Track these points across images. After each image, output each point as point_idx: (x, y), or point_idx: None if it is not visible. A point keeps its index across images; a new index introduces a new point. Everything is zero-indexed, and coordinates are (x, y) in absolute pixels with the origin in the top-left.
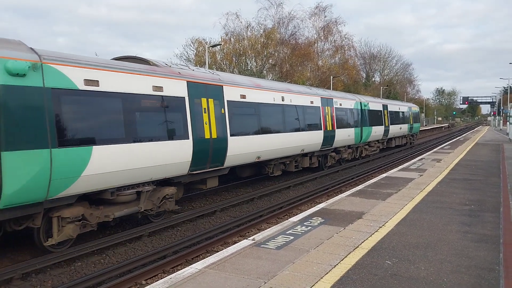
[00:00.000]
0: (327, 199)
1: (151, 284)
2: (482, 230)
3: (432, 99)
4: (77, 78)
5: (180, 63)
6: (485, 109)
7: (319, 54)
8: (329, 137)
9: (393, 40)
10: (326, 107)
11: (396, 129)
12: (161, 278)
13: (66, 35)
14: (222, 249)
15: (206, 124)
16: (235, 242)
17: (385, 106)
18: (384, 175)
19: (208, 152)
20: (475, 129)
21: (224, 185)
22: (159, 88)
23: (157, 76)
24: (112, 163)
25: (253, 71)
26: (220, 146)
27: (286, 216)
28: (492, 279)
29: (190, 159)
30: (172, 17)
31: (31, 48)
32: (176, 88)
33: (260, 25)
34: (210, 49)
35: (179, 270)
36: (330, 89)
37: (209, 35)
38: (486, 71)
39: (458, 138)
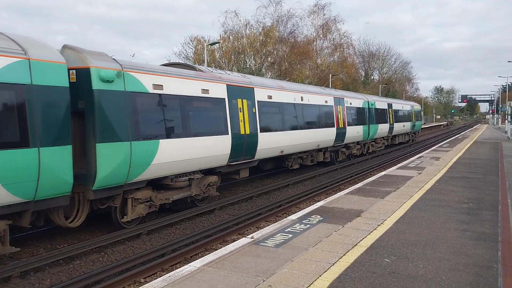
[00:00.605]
0: (326, 197)
1: (150, 282)
2: (480, 228)
3: (431, 97)
4: (147, 83)
5: (179, 61)
6: (483, 107)
7: (318, 52)
8: (340, 134)
9: (392, 39)
10: (338, 106)
11: (400, 127)
12: (160, 276)
13: (65, 33)
14: (221, 247)
15: (241, 121)
16: (234, 240)
17: (390, 105)
18: (382, 173)
19: (243, 146)
20: (474, 127)
21: (222, 183)
22: (206, 91)
23: (204, 81)
24: (173, 154)
25: (252, 69)
26: (252, 140)
27: (285, 214)
28: (490, 277)
29: (229, 152)
30: (171, 15)
31: (114, 59)
32: (219, 91)
33: (259, 23)
34: (209, 47)
35: (178, 268)
36: (329, 87)
37: (208, 33)
38: (485, 69)
39: (456, 136)
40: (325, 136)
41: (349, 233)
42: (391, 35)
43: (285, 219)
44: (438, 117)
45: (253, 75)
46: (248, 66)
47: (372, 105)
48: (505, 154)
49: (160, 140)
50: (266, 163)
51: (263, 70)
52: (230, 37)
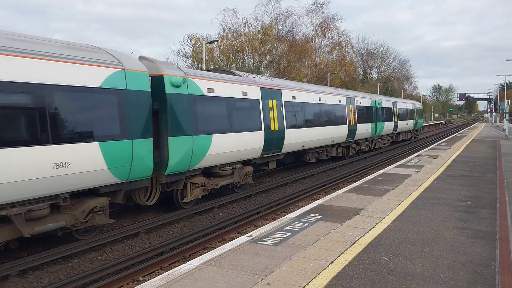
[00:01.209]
0: (325, 196)
1: (149, 281)
2: (478, 226)
3: (429, 96)
4: (203, 87)
5: (177, 59)
6: (482, 105)
7: (317, 50)
8: (352, 131)
9: (390, 37)
10: (350, 105)
11: (403, 125)
12: (159, 275)
13: (63, 32)
14: (220, 246)
15: (271, 119)
16: (232, 239)
17: (394, 104)
18: (381, 171)
19: (273, 140)
20: (472, 125)
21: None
22: (245, 93)
23: (243, 84)
24: (221, 146)
25: (251, 67)
26: (280, 136)
27: (283, 213)
28: (488, 275)
29: (262, 145)
30: (170, 14)
31: (179, 68)
32: (254, 93)
33: (258, 22)
34: (208, 45)
35: (177, 266)
36: (327, 85)
37: (207, 32)
38: (483, 68)
39: (455, 134)
40: (339, 132)
41: (347, 231)
42: (389, 34)
43: (283, 217)
44: (437, 115)
45: (252, 73)
46: (246, 65)
47: (379, 104)
48: (503, 153)
49: (213, 134)
50: (288, 156)
51: (262, 68)
52: (229, 35)
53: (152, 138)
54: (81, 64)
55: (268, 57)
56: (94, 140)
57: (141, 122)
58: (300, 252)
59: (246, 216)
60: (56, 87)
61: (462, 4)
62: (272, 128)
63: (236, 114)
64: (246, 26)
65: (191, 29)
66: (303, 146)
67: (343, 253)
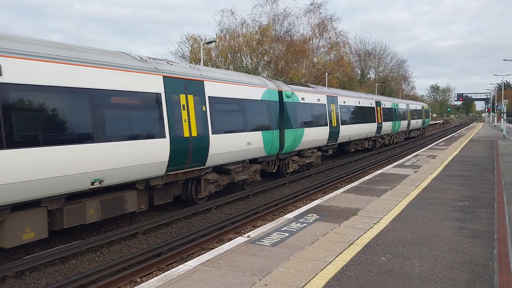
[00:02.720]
0: (323, 196)
1: (146, 282)
2: (476, 226)
3: (427, 96)
4: (300, 96)
5: (175, 60)
6: (479, 105)
7: (314, 51)
8: (379, 128)
9: (387, 37)
10: (377, 107)
11: (414, 123)
12: (156, 276)
13: (61, 32)
14: (217, 247)
15: (333, 118)
16: (230, 239)
17: (407, 105)
18: (379, 171)
19: (333, 134)
20: (470, 125)
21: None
22: (319, 99)
23: (317, 93)
24: (309, 136)
25: (248, 68)
26: (336, 130)
27: (281, 213)
28: (486, 275)
29: (327, 137)
30: (167, 13)
31: (289, 86)
32: (324, 99)
33: (255, 22)
34: (205, 46)
35: (174, 267)
36: (325, 86)
37: (204, 32)
38: (480, 67)
39: (452, 134)
40: (371, 129)
41: (345, 231)
42: (386, 33)
43: (281, 217)
44: (434, 115)
45: (250, 73)
46: (244, 65)
47: (396, 106)
48: (501, 152)
49: (305, 128)
50: (337, 147)
51: (260, 69)
52: (227, 36)
53: (278, 130)
54: (255, 87)
55: (266, 57)
56: (256, 130)
57: (275, 120)
58: (298, 253)
59: (244, 216)
60: (247, 100)
61: (458, 3)
62: (333, 125)
63: (315, 114)
64: (244, 26)
65: (189, 29)
66: (349, 138)
67: (341, 253)
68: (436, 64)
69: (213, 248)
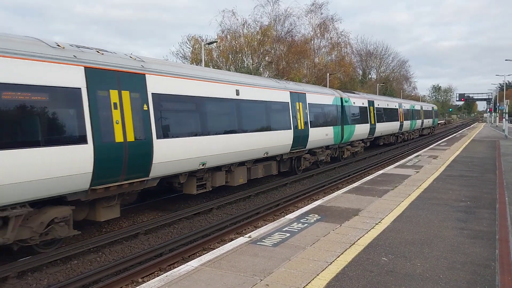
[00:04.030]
0: (324, 196)
1: (147, 282)
2: (478, 226)
3: (429, 96)
4: (352, 100)
5: (176, 60)
6: (481, 105)
7: (316, 51)
8: (401, 125)
9: (388, 38)
10: (399, 108)
11: (426, 122)
12: (158, 276)
13: (63, 33)
14: (219, 247)
15: (371, 117)
16: (231, 240)
17: (421, 107)
18: (380, 172)
19: (372, 130)
20: (471, 125)
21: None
22: (363, 103)
23: (361, 98)
24: (358, 131)
25: (250, 68)
26: (374, 127)
27: (282, 213)
28: (487, 275)
29: (368, 132)
30: (168, 15)
31: (344, 92)
32: (365, 102)
33: (256, 22)
34: (206, 46)
35: (176, 267)
36: (326, 86)
37: (206, 33)
38: (481, 68)
39: (454, 134)
40: (394, 126)
41: (346, 232)
42: (387, 34)
43: (282, 218)
44: None
45: (251, 74)
46: (245, 66)
47: (413, 107)
48: (503, 153)
49: (355, 125)
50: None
51: (261, 69)
52: (228, 36)
53: (340, 126)
54: (327, 95)
55: (267, 58)
56: (330, 125)
57: (338, 119)
58: (299, 253)
59: (245, 217)
60: (324, 105)
61: (459, 4)
62: (372, 122)
63: (360, 114)
64: (245, 27)
65: (190, 30)
66: (381, 134)
67: (342, 254)
68: (437, 64)
69: (214, 249)
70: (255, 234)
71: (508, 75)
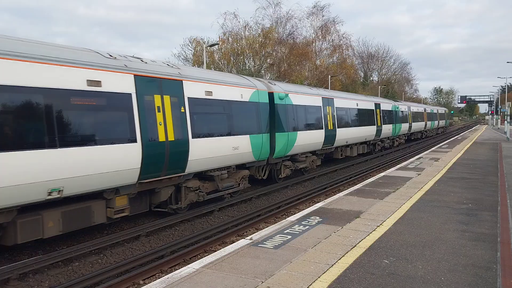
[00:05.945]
0: (325, 199)
1: (149, 284)
2: (479, 229)
3: (430, 98)
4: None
5: (178, 62)
6: (483, 108)
7: (317, 53)
8: (410, 127)
9: (390, 41)
10: (409, 111)
11: (441, 122)
12: (159, 278)
13: (65, 36)
14: (220, 249)
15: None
16: (233, 242)
17: (437, 110)
18: (382, 174)
19: (396, 130)
20: (473, 128)
21: None
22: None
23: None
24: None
25: (251, 70)
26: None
27: (284, 216)
28: (489, 278)
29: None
30: (170, 17)
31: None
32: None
33: (258, 25)
34: (208, 48)
35: (177, 270)
36: (328, 88)
37: (207, 35)
38: (483, 70)
39: (456, 137)
40: (405, 127)
41: (348, 234)
42: (389, 36)
43: (284, 220)
44: None
45: (252, 76)
46: (247, 68)
47: (432, 110)
48: (504, 155)
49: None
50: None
51: (263, 71)
52: (229, 38)
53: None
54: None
55: (268, 60)
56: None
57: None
58: (300, 255)
59: (246, 219)
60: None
61: (460, 7)
62: (409, 122)
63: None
64: (247, 29)
65: (192, 33)
66: (418, 129)
67: (343, 256)
68: (439, 66)
69: (215, 251)
70: (256, 236)
71: (510, 77)
